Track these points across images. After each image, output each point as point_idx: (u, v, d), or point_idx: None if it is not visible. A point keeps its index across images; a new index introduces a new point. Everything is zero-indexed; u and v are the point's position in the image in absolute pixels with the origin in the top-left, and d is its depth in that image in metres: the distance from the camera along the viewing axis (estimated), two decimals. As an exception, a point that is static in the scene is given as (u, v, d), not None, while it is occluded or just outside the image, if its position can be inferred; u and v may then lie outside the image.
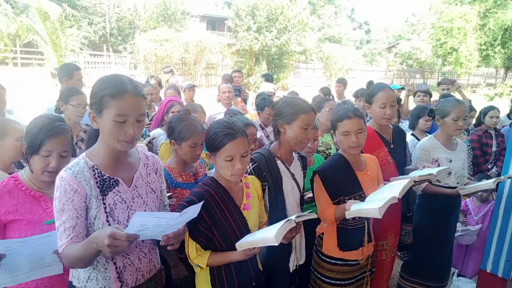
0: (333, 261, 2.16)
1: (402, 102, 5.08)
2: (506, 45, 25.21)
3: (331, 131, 2.22)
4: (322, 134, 3.44)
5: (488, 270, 2.64)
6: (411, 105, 4.98)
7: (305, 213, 1.63)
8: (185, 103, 4.59)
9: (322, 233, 2.23)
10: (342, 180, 2.10)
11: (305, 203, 2.39)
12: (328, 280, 2.18)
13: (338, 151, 2.27)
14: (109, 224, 1.39)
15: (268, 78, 7.04)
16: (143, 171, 1.58)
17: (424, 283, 2.84)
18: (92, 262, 1.36)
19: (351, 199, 2.01)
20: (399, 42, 33.29)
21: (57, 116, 1.85)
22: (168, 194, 2.05)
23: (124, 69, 18.40)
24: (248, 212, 1.81)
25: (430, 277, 2.82)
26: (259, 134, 3.64)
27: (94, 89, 1.38)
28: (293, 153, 2.21)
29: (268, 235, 1.45)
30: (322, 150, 3.33)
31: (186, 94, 5.69)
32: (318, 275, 2.22)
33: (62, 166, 1.65)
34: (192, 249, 1.69)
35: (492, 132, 4.40)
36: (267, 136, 3.77)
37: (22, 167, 2.07)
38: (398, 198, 1.69)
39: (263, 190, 2.01)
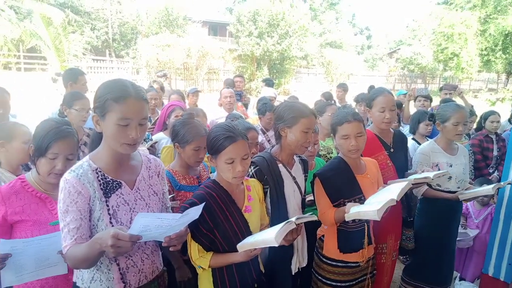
0: (333, 263, 2.17)
1: (403, 107, 5.10)
2: (507, 51, 25.24)
3: (331, 134, 2.24)
4: (323, 139, 3.47)
5: (490, 274, 2.65)
6: (412, 110, 5.00)
7: (305, 215, 1.64)
8: (188, 108, 4.62)
9: (323, 235, 2.25)
10: (342, 183, 2.12)
11: (307, 206, 2.41)
12: (329, 282, 2.19)
13: (338, 155, 2.29)
14: (112, 226, 1.41)
15: (269, 83, 7.08)
16: (146, 174, 1.60)
17: (426, 287, 2.83)
18: (95, 263, 1.38)
19: (350, 201, 2.04)
20: (400, 47, 33.31)
21: (64, 120, 1.89)
22: (171, 196, 2.07)
23: (126, 74, 18.51)
24: (250, 214, 1.83)
25: (432, 281, 2.81)
26: (261, 138, 3.66)
27: (97, 93, 1.41)
28: (294, 157, 2.23)
29: (268, 236, 1.47)
30: (324, 154, 3.35)
31: (189, 99, 5.74)
32: (319, 277, 2.23)
33: (68, 169, 1.69)
34: (195, 250, 1.71)
35: (493, 137, 4.41)
36: (269, 140, 3.79)
37: (29, 169, 2.11)
38: (397, 201, 1.70)
39: (265, 193, 2.03)
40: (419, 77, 29.34)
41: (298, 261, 2.18)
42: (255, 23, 20.45)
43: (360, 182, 2.15)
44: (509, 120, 5.38)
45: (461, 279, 3.50)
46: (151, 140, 3.22)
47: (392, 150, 2.59)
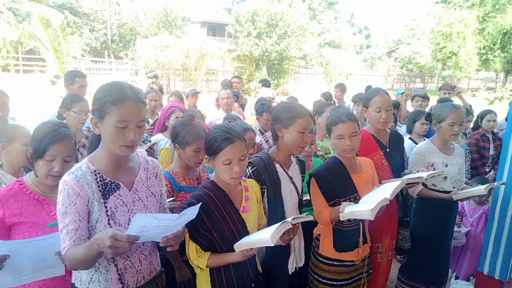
0: (329, 262, 2.20)
1: (400, 106, 5.12)
2: (506, 49, 25.27)
3: (327, 135, 2.27)
4: (322, 139, 3.49)
5: (485, 273, 2.67)
6: (409, 109, 5.02)
7: (301, 215, 1.67)
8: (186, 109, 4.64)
9: (319, 235, 2.27)
10: (337, 183, 2.14)
11: (304, 206, 2.43)
12: (325, 281, 2.21)
13: (334, 154, 2.32)
14: (111, 227, 1.43)
15: (266, 83, 7.07)
16: (143, 175, 1.62)
17: (422, 287, 2.86)
18: (94, 264, 1.40)
19: (346, 201, 2.07)
20: (399, 46, 33.36)
21: (62, 122, 1.91)
22: (171, 199, 2.10)
23: (125, 75, 18.51)
24: (247, 214, 1.86)
25: (428, 280, 2.83)
26: (259, 139, 3.69)
27: (96, 96, 1.43)
28: (292, 157, 2.25)
29: (264, 236, 1.49)
30: (321, 155, 3.38)
31: (189, 100, 5.75)
32: (315, 276, 2.26)
33: (65, 171, 1.70)
34: (192, 250, 1.73)
35: (490, 136, 4.44)
36: (267, 141, 3.82)
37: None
38: (390, 200, 1.73)
39: (262, 193, 2.06)
40: (417, 76, 29.37)
41: (295, 261, 2.20)
42: (253, 23, 20.47)
43: (355, 182, 2.18)
44: (506, 119, 5.40)
45: (456, 277, 3.52)
46: (150, 141, 3.25)
47: (388, 150, 2.61)
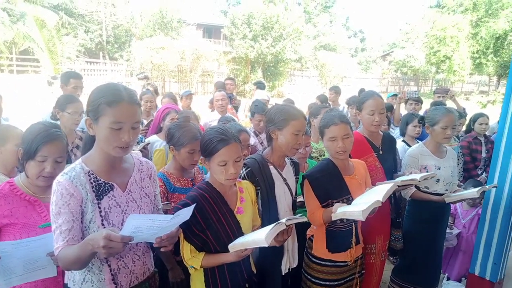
0: (322, 263, 2.21)
1: (394, 109, 5.17)
2: (498, 53, 25.58)
3: (320, 137, 2.29)
4: (317, 141, 3.51)
5: (476, 274, 2.71)
6: (403, 112, 5.07)
7: (295, 216, 1.68)
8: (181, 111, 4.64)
9: (312, 236, 2.29)
10: (330, 184, 2.16)
11: (298, 207, 2.45)
12: (318, 281, 2.22)
13: (327, 156, 2.34)
14: (104, 228, 1.43)
15: (260, 85, 7.07)
16: (137, 176, 1.63)
17: (414, 288, 2.88)
18: (87, 264, 1.40)
19: (339, 202, 2.08)
20: (394, 50, 33.59)
21: (53, 123, 1.90)
22: (165, 203, 2.10)
23: (120, 77, 18.45)
24: (242, 215, 1.87)
25: (420, 282, 2.85)
26: (254, 140, 3.70)
27: (91, 97, 1.43)
28: (286, 159, 2.27)
29: (258, 237, 1.50)
30: (316, 157, 3.40)
31: (183, 102, 5.74)
32: (309, 277, 2.27)
33: (57, 171, 1.70)
34: (187, 250, 1.74)
35: (482, 139, 4.49)
36: (261, 143, 3.83)
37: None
38: (382, 202, 1.75)
39: (256, 195, 2.07)
40: (412, 80, 29.63)
41: (289, 261, 2.21)
42: (249, 26, 20.54)
43: (348, 183, 2.20)
44: (498, 122, 5.46)
45: (447, 278, 3.56)
46: (143, 142, 3.24)
47: (381, 152, 2.64)
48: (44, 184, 1.75)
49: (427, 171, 2.70)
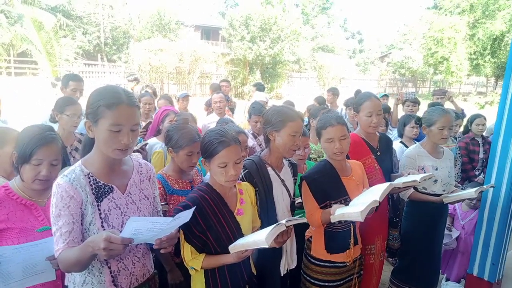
0: (321, 263, 2.22)
1: (391, 111, 5.18)
2: (496, 55, 25.67)
3: (317, 138, 2.30)
4: (316, 142, 3.52)
5: (475, 274, 2.72)
6: (400, 114, 5.08)
7: (295, 217, 1.69)
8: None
9: (311, 237, 2.30)
10: (328, 185, 2.17)
11: (296, 209, 2.46)
12: (316, 282, 2.23)
13: (325, 158, 2.35)
14: (104, 230, 1.44)
15: (260, 87, 7.09)
16: (137, 178, 1.63)
17: (413, 289, 2.89)
18: (87, 266, 1.40)
19: (336, 203, 2.09)
20: (391, 51, 33.68)
21: (47, 126, 1.87)
22: (163, 204, 2.11)
23: (118, 79, 18.43)
24: (242, 217, 1.88)
25: (419, 283, 2.86)
26: (252, 142, 3.70)
27: (90, 100, 1.44)
28: (284, 160, 2.28)
29: (259, 238, 1.51)
30: (314, 158, 3.41)
31: (180, 104, 5.73)
32: (307, 277, 2.28)
33: (52, 174, 1.70)
34: (187, 252, 1.75)
35: (479, 140, 4.51)
36: (260, 145, 3.83)
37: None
38: (379, 202, 1.76)
39: (255, 196, 2.08)
40: (409, 81, 29.69)
41: (287, 262, 2.22)
42: (247, 28, 20.57)
43: (346, 184, 2.21)
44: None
45: (446, 279, 3.57)
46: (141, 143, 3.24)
47: (378, 153, 2.65)
48: (40, 188, 1.73)
49: (425, 172, 2.71)
